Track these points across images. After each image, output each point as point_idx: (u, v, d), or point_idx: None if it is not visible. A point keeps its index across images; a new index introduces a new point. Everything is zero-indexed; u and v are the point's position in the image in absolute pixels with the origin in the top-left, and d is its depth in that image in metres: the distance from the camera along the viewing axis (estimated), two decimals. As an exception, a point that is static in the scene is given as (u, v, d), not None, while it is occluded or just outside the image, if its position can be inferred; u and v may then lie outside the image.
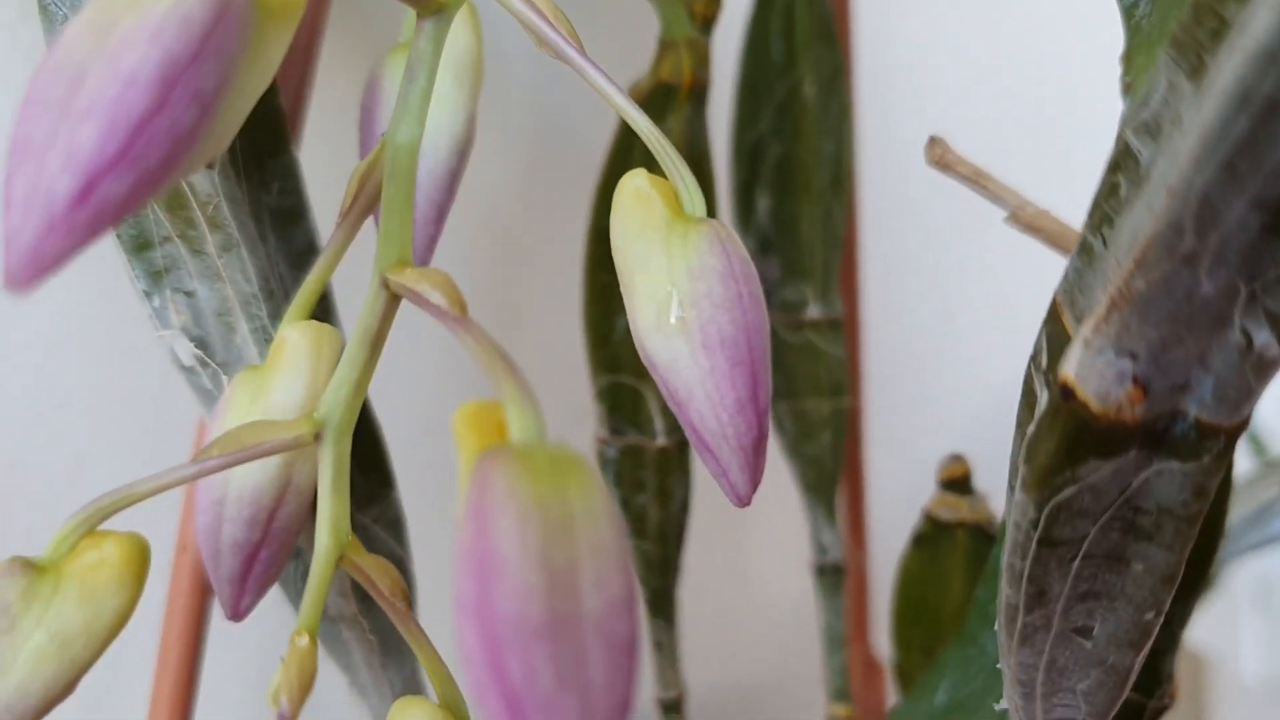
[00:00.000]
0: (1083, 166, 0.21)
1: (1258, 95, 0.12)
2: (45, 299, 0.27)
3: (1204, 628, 0.67)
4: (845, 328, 0.35)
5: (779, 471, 0.33)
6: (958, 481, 0.27)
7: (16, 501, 0.27)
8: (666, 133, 0.25)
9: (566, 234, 0.30)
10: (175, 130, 0.12)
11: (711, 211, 0.27)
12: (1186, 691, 0.72)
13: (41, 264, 0.11)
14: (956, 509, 0.27)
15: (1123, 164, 0.14)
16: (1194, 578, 0.22)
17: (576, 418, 0.30)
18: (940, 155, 0.21)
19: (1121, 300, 0.13)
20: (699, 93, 0.25)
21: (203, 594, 0.22)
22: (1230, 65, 0.12)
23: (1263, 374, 0.14)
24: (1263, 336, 0.13)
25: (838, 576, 0.33)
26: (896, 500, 0.34)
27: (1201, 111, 0.12)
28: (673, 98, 0.25)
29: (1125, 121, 0.14)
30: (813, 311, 0.32)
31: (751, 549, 0.41)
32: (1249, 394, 0.14)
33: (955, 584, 0.27)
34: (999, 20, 0.41)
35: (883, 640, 0.34)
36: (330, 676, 0.21)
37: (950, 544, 0.27)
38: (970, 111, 0.40)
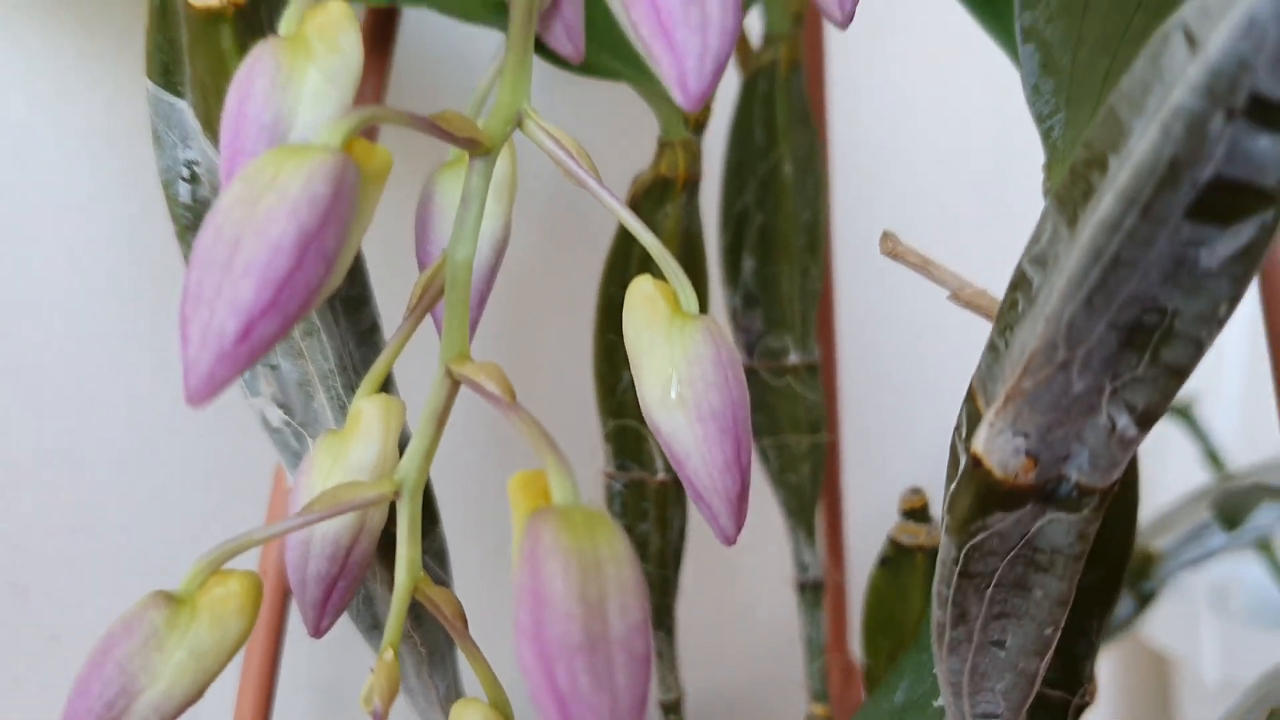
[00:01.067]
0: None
1: (1106, 254, 0.16)
2: (140, 362, 0.32)
3: (1168, 631, 0.71)
4: (823, 371, 0.39)
5: (764, 498, 0.37)
6: (916, 511, 0.32)
7: (111, 528, 0.32)
8: (665, 217, 0.30)
9: (580, 300, 0.34)
10: (309, 283, 0.16)
11: (703, 274, 0.32)
12: (1154, 691, 0.76)
13: (214, 386, 0.16)
14: (916, 535, 0.31)
15: (1020, 285, 0.18)
16: (1106, 598, 0.26)
17: (588, 455, 0.34)
18: (891, 247, 0.25)
19: (1015, 394, 0.18)
20: (692, 184, 0.29)
21: (280, 614, 0.27)
22: (1087, 227, 0.16)
23: (1125, 448, 0.18)
24: (1123, 421, 0.18)
25: (817, 592, 0.37)
26: (870, 525, 0.39)
27: (1070, 257, 0.17)
28: (670, 189, 0.29)
29: (1024, 253, 0.18)
30: (793, 358, 0.36)
31: (741, 569, 0.45)
32: (1116, 464, 0.18)
33: (915, 600, 0.32)
34: (960, 105, 0.46)
35: (858, 648, 0.38)
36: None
37: (910, 565, 0.32)
38: (931, 185, 0.44)
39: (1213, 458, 0.62)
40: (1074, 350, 0.17)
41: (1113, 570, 0.26)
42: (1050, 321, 0.17)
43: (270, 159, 0.17)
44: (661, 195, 0.29)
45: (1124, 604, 0.44)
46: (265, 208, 0.16)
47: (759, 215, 0.35)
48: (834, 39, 0.39)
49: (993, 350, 0.19)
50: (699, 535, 0.36)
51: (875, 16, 0.26)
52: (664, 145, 0.29)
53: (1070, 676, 0.27)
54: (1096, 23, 0.22)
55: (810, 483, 0.37)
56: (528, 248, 0.40)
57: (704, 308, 0.31)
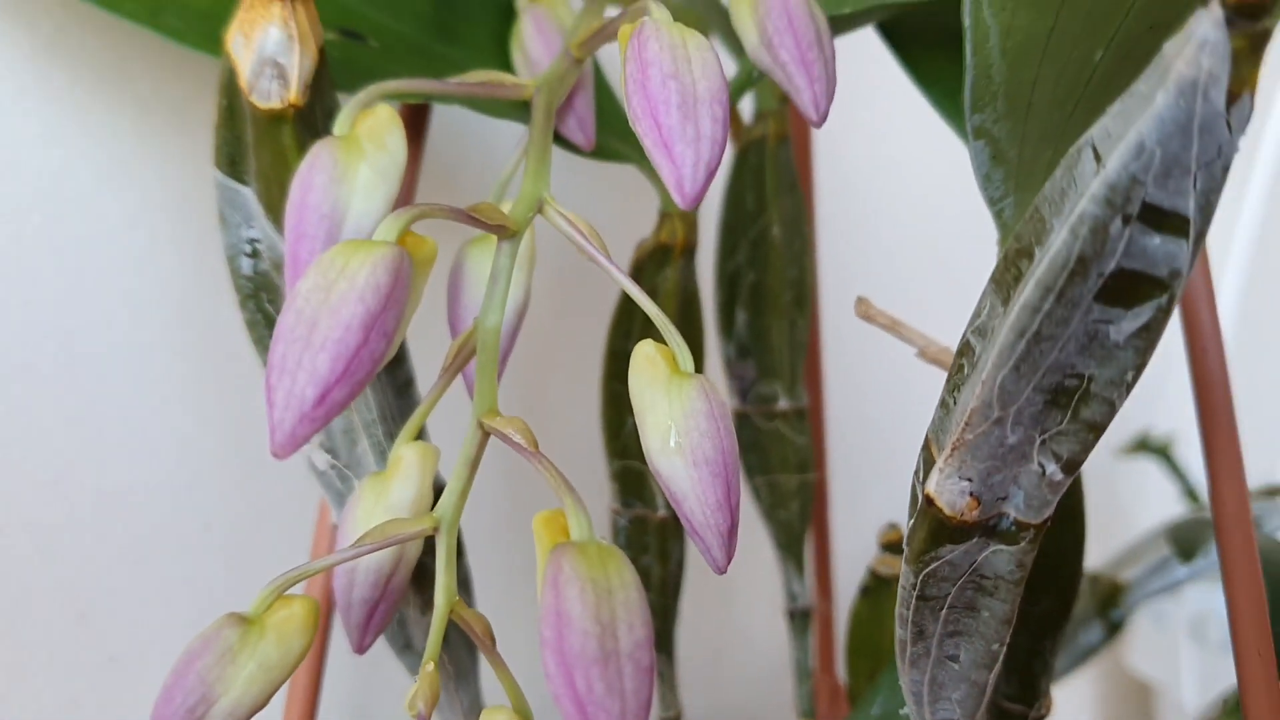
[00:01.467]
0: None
1: (1029, 330, 0.19)
2: (189, 408, 0.35)
3: (1149, 660, 0.74)
4: (811, 415, 0.42)
5: (757, 533, 0.40)
6: (894, 545, 0.35)
7: (163, 560, 0.35)
8: (665, 279, 0.33)
9: (589, 353, 0.38)
10: (373, 355, 0.19)
11: (699, 329, 0.35)
12: (1136, 717, 0.79)
13: (296, 443, 0.19)
14: (893, 566, 0.35)
15: (965, 352, 0.22)
16: (1057, 622, 0.29)
17: (596, 492, 0.37)
18: (864, 310, 0.29)
19: (960, 445, 0.21)
20: (690, 250, 0.33)
21: (324, 631, 0.30)
22: (1015, 308, 0.20)
23: (1054, 490, 0.21)
24: (1051, 467, 0.21)
25: (805, 620, 0.40)
26: (856, 557, 0.42)
27: (1002, 332, 0.20)
28: (670, 254, 0.32)
29: (968, 324, 0.22)
30: (782, 404, 0.39)
31: (735, 597, 0.48)
32: (1047, 503, 0.21)
33: (892, 625, 0.35)
34: (934, 173, 0.49)
35: (844, 671, 0.41)
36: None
37: (888, 594, 0.35)
38: (909, 246, 0.48)
39: (1191, 495, 0.65)
40: (1007, 409, 0.20)
41: (1062, 599, 0.30)
42: (986, 385, 0.20)
43: (339, 252, 0.20)
44: (662, 260, 0.33)
45: (1094, 631, 0.47)
46: (338, 294, 0.20)
47: (751, 273, 0.38)
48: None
49: (943, 406, 0.22)
50: (697, 566, 0.39)
51: (856, 92, 0.29)
52: (664, 216, 0.32)
53: (1028, 691, 0.30)
54: (1038, 122, 0.25)
55: (799, 518, 0.40)
56: (543, 307, 0.43)
57: (701, 359, 0.35)
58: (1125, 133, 0.18)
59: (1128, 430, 0.67)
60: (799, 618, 0.40)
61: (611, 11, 0.30)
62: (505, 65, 0.31)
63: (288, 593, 0.23)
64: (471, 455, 0.23)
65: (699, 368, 0.34)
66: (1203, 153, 0.18)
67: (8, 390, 0.31)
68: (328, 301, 0.19)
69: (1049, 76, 0.24)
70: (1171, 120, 0.17)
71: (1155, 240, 0.18)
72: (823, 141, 0.43)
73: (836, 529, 0.44)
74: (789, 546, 0.40)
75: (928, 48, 0.27)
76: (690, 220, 0.32)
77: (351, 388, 0.19)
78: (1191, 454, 0.70)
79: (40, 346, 0.32)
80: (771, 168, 0.38)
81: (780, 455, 0.39)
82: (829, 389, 0.43)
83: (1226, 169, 0.18)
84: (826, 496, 0.44)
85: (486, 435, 0.23)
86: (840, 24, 0.28)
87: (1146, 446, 0.61)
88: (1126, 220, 0.18)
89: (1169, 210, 0.18)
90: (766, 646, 0.47)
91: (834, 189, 0.45)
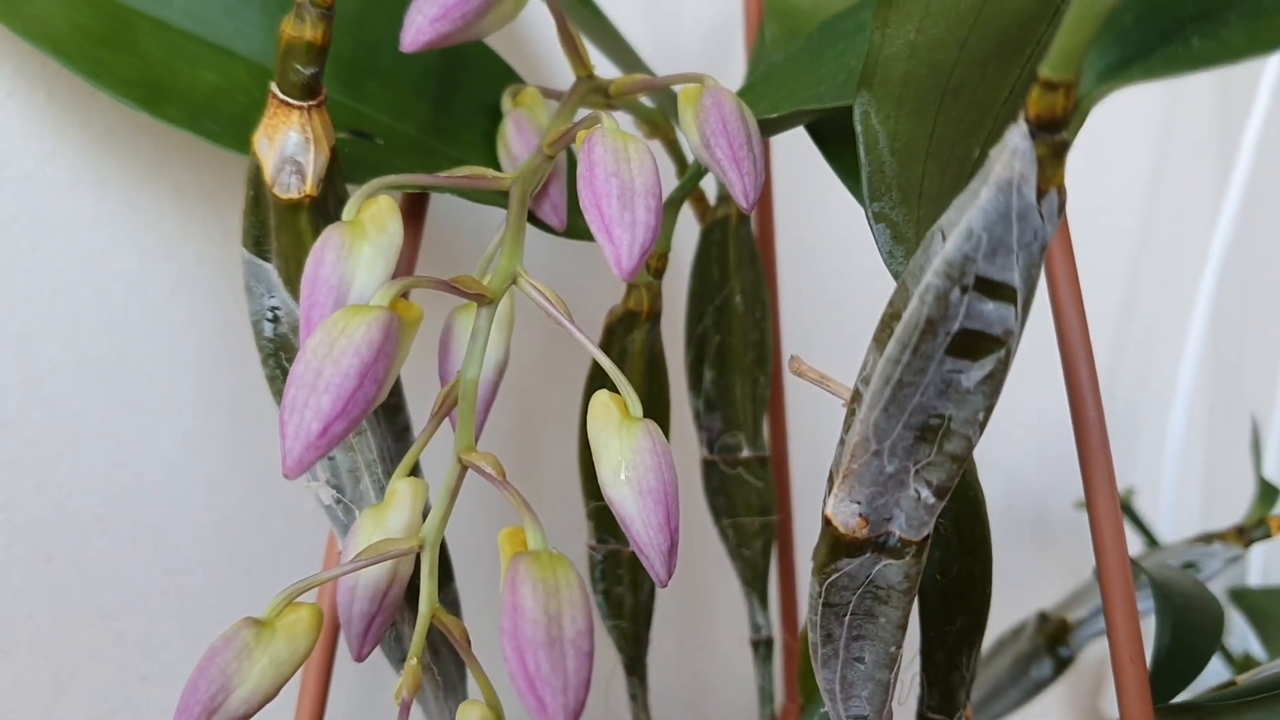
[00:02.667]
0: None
1: (892, 379, 0.24)
2: (218, 454, 0.40)
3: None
4: (775, 462, 0.47)
5: (725, 570, 0.44)
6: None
7: (192, 588, 0.39)
8: (633, 341, 0.38)
9: (570, 403, 0.42)
10: (367, 397, 0.24)
11: (665, 386, 0.39)
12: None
13: (303, 467, 0.24)
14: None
15: (855, 398, 0.26)
16: (971, 639, 0.34)
17: (574, 530, 0.42)
18: (797, 367, 0.33)
19: (849, 473, 0.25)
20: (655, 316, 0.37)
21: (332, 641, 0.34)
22: (882, 360, 0.24)
23: (930, 512, 0.26)
24: (925, 493, 0.25)
25: (769, 649, 0.44)
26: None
27: (874, 380, 0.24)
28: (637, 320, 0.37)
29: (858, 375, 0.26)
30: (745, 452, 0.43)
31: (704, 627, 0.52)
32: (924, 523, 0.26)
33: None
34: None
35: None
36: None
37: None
38: (863, 308, 0.52)
39: (1152, 542, 0.68)
40: (882, 443, 0.25)
41: (974, 619, 0.34)
42: (864, 423, 0.25)
43: (342, 314, 0.25)
44: (630, 324, 0.37)
45: (1044, 666, 0.50)
46: (339, 348, 0.24)
47: (716, 336, 0.43)
48: (780, 193, 0.47)
49: (841, 443, 0.27)
50: (668, 598, 0.43)
51: (816, 174, 0.33)
52: (631, 286, 0.37)
53: (948, 702, 0.34)
54: (930, 207, 0.30)
55: (762, 556, 0.44)
56: (530, 361, 0.48)
57: (667, 411, 0.39)
58: (960, 220, 0.22)
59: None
60: (763, 647, 0.44)
61: (585, 111, 0.35)
62: (494, 159, 0.36)
63: (296, 601, 0.28)
64: (452, 485, 0.28)
65: (666, 419, 0.39)
66: (1022, 236, 0.22)
67: (59, 436, 0.36)
68: (331, 354, 0.24)
69: (934, 171, 0.29)
70: (994, 210, 0.22)
71: (990, 306, 0.23)
72: (784, 216, 0.48)
73: (801, 566, 0.48)
74: (753, 582, 0.44)
75: (846, 144, 0.32)
76: (655, 291, 0.37)
77: (348, 423, 0.24)
78: (1151, 507, 0.74)
79: (89, 399, 0.37)
80: (734, 243, 0.42)
81: (744, 499, 0.44)
82: (793, 438, 0.48)
83: (1044, 248, 0.23)
84: (792, 536, 0.48)
85: (465, 468, 0.28)
86: (772, 125, 0.33)
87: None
88: (964, 290, 0.23)
89: (999, 281, 0.23)
90: (733, 673, 0.51)
91: (795, 259, 0.50)
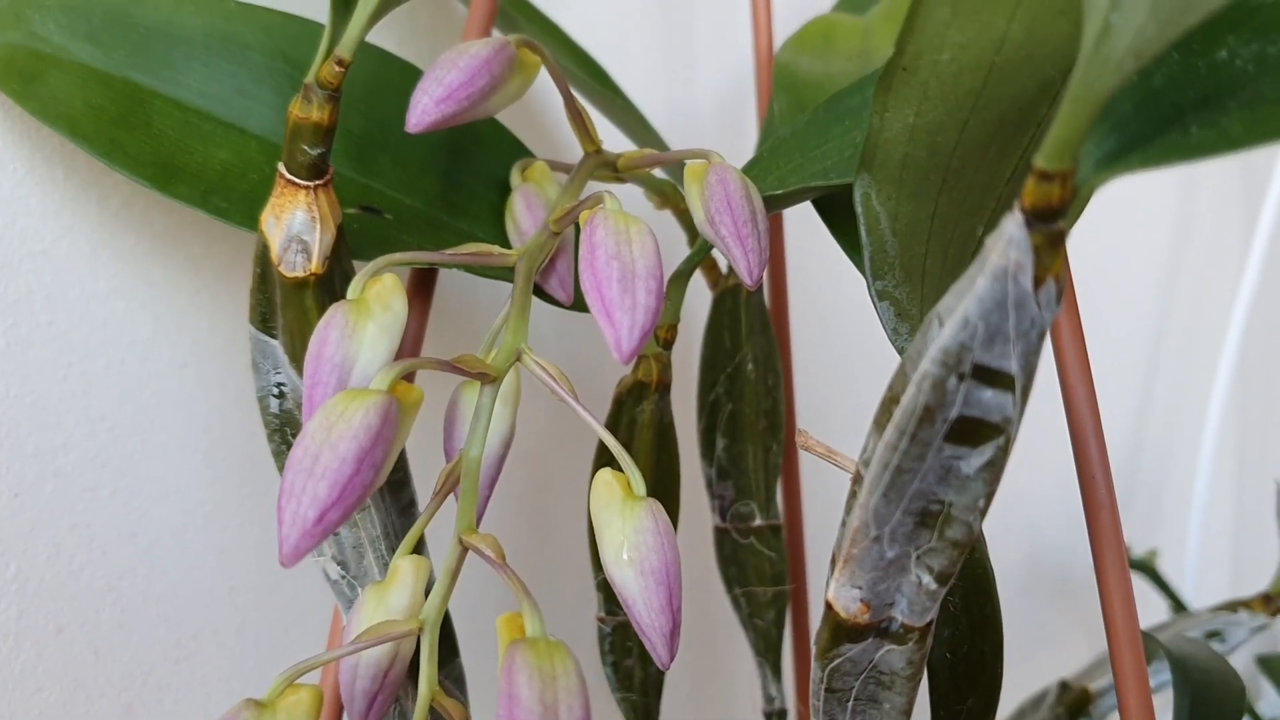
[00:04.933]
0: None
1: (891, 465, 0.24)
2: (228, 524, 0.40)
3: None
4: (790, 530, 0.46)
5: (738, 640, 0.44)
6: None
7: (204, 657, 0.39)
8: (642, 412, 0.37)
9: (582, 464, 0.42)
10: (364, 483, 0.24)
11: (675, 456, 0.39)
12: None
13: (299, 554, 0.24)
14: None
15: (857, 480, 0.26)
16: (983, 715, 0.33)
17: (585, 599, 0.42)
18: (804, 441, 0.33)
19: (849, 558, 0.25)
20: (664, 386, 0.37)
21: (335, 718, 0.34)
22: (880, 446, 0.24)
23: (932, 599, 0.25)
24: (927, 579, 0.25)
25: (782, 719, 0.44)
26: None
27: (872, 466, 0.24)
28: (646, 390, 0.37)
29: (858, 458, 0.26)
30: (758, 521, 0.43)
31: (717, 699, 0.52)
32: (927, 609, 0.25)
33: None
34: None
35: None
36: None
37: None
38: (876, 377, 0.52)
39: (1178, 606, 0.67)
40: (882, 529, 0.25)
41: (985, 698, 0.33)
42: (863, 508, 0.24)
43: (341, 399, 0.25)
44: (640, 395, 0.37)
45: (1066, 737, 0.50)
46: (337, 433, 0.24)
47: (728, 403, 0.43)
48: (793, 259, 0.48)
49: (843, 525, 0.26)
50: (678, 669, 0.43)
51: (826, 238, 0.33)
52: (641, 358, 0.37)
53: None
54: (933, 285, 0.30)
55: (775, 626, 0.44)
56: (543, 426, 0.48)
57: (677, 482, 0.39)
58: (956, 308, 0.22)
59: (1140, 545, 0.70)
60: (775, 718, 0.44)
61: (595, 183, 0.35)
62: (503, 232, 0.36)
63: (297, 682, 0.27)
64: (452, 566, 0.28)
65: (676, 489, 0.39)
66: (1019, 324, 0.22)
67: (72, 509, 0.37)
68: (328, 439, 0.24)
69: (937, 250, 0.29)
70: (990, 299, 0.22)
71: (988, 393, 0.23)
72: (798, 283, 0.48)
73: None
74: (766, 653, 0.44)
75: (852, 220, 0.32)
76: (664, 362, 0.37)
77: (344, 510, 0.24)
78: (1177, 568, 0.72)
79: (101, 472, 0.37)
80: (745, 311, 0.42)
81: (757, 568, 0.43)
82: (807, 506, 0.47)
83: (1042, 336, 0.23)
84: (806, 605, 0.47)
85: (465, 550, 0.28)
86: (779, 201, 0.33)
87: (1128, 562, 0.64)
88: (961, 378, 0.22)
89: (996, 369, 0.22)
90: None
91: (809, 326, 0.50)
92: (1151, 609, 0.72)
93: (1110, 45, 0.19)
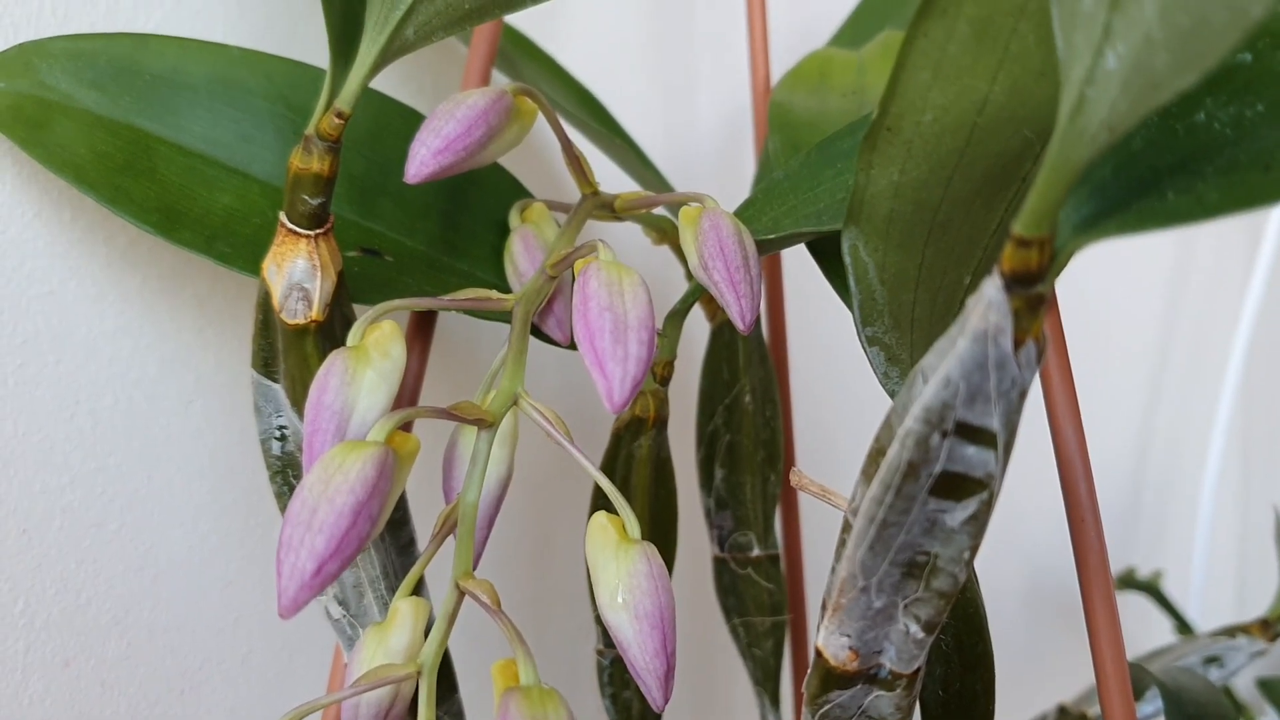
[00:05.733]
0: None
1: (876, 518, 0.24)
2: (232, 556, 0.40)
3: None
4: (789, 560, 0.47)
5: (737, 668, 0.44)
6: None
7: (209, 690, 0.40)
8: (639, 447, 0.38)
9: (582, 497, 0.43)
10: (360, 535, 0.25)
11: (672, 490, 0.40)
12: None
13: (297, 606, 0.24)
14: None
15: (846, 529, 0.26)
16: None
17: (585, 632, 0.42)
18: (798, 480, 0.33)
19: (838, 607, 0.26)
20: (661, 422, 0.38)
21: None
22: (865, 499, 0.24)
23: (920, 646, 0.26)
24: (914, 628, 0.26)
25: (781, 748, 0.44)
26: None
27: (858, 518, 0.25)
28: (644, 426, 0.37)
29: (847, 505, 0.27)
30: (755, 551, 0.44)
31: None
32: (914, 657, 0.26)
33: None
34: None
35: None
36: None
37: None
38: (880, 408, 0.53)
39: (1183, 628, 0.68)
40: (869, 579, 0.25)
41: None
42: (849, 559, 0.25)
43: (338, 451, 0.26)
44: (637, 431, 0.38)
45: (1065, 762, 0.50)
46: (334, 486, 0.25)
47: (726, 434, 0.44)
48: (791, 291, 0.48)
49: (832, 572, 0.27)
50: (681, 700, 0.43)
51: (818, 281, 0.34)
52: (639, 394, 0.38)
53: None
54: (923, 331, 0.30)
55: (773, 656, 0.44)
56: (544, 459, 0.49)
57: (674, 517, 0.39)
58: (939, 367, 0.23)
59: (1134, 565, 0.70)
60: (774, 747, 0.44)
61: (594, 222, 0.36)
62: (502, 272, 0.37)
63: (298, 724, 0.28)
64: (449, 611, 0.28)
65: (673, 524, 0.39)
66: (1000, 383, 0.22)
67: (79, 544, 0.37)
68: (326, 492, 0.25)
69: (925, 299, 0.29)
70: (971, 359, 0.22)
71: (971, 450, 0.23)
72: (796, 314, 0.49)
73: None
74: (764, 681, 0.44)
75: (842, 261, 0.32)
76: (661, 397, 0.38)
77: (342, 561, 0.24)
78: (1179, 589, 0.73)
79: (108, 507, 0.38)
80: (743, 343, 0.43)
81: (755, 598, 0.44)
82: (806, 536, 0.48)
83: (1023, 395, 0.23)
84: (805, 634, 0.48)
85: (462, 594, 0.28)
86: (772, 244, 0.33)
87: (1132, 582, 0.65)
88: (944, 434, 0.23)
89: (979, 427, 0.23)
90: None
91: (808, 357, 0.50)
92: (1156, 629, 0.72)
93: (1085, 118, 0.19)
